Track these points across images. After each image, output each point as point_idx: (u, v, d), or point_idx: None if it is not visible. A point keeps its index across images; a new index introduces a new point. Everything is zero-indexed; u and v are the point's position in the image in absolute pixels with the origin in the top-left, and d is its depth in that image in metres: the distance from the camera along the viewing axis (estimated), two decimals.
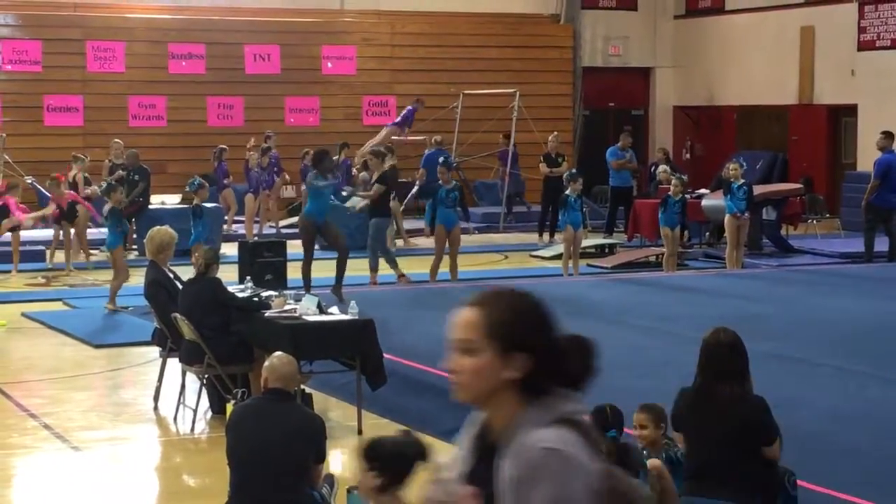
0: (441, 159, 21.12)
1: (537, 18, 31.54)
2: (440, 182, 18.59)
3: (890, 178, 20.58)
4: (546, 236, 24.35)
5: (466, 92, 27.67)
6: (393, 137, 26.24)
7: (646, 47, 32.58)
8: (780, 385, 10.25)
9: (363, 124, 29.12)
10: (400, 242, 23.75)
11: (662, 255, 20.12)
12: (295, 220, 25.07)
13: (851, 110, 27.99)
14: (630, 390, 10.49)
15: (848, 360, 12.45)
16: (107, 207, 17.59)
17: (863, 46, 27.77)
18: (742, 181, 19.61)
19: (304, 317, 10.79)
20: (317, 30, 29.18)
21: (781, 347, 12.68)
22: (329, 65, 29.30)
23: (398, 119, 26.96)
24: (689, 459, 6.78)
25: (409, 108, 26.77)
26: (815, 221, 25.27)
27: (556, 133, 25.75)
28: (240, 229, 24.42)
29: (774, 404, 6.85)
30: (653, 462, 7.12)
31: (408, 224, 24.50)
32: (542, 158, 25.06)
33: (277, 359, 7.22)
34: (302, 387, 10.44)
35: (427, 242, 24.18)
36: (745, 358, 6.69)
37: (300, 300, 11.27)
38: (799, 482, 7.11)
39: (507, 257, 22.35)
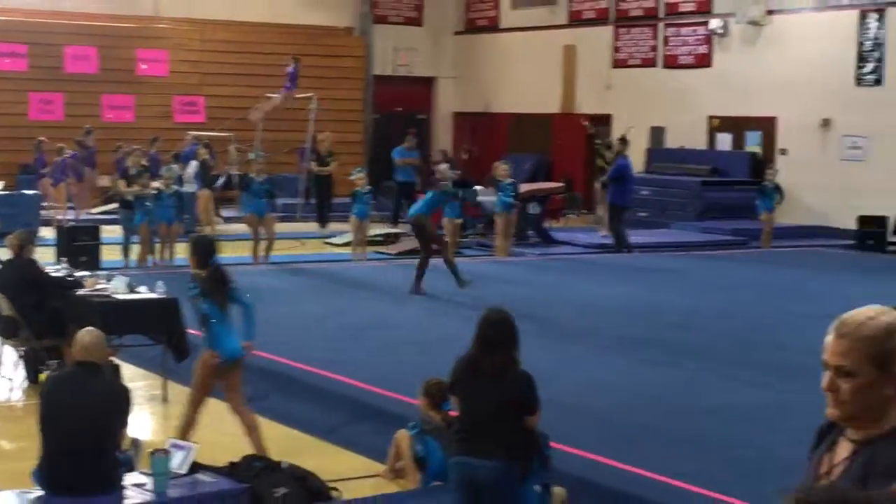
0: (253, 154, 21.01)
1: (333, 30, 31.44)
2: (253, 175, 18.55)
3: (626, 179, 21.14)
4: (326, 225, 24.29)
5: (268, 94, 27.37)
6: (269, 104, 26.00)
7: (430, 59, 32.75)
8: (540, 360, 10.41)
9: (174, 121, 28.68)
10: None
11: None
12: (109, 207, 24.49)
13: (606, 119, 28.64)
14: (415, 365, 10.58)
15: (600, 338, 12.74)
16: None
17: (617, 64, 28.45)
18: (510, 180, 19.90)
19: (114, 295, 10.59)
20: (133, 34, 28.56)
21: (543, 327, 12.91)
22: (143, 66, 28.71)
23: (289, 84, 26.60)
24: (460, 421, 6.82)
25: (291, 69, 26.47)
26: (573, 216, 25.79)
27: (328, 133, 25.55)
28: (58, 215, 23.71)
29: (534, 377, 6.95)
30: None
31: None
32: (314, 157, 24.92)
33: (88, 333, 7.05)
34: (111, 359, 10.23)
35: (238, 229, 24.01)
36: (515, 334, 6.73)
37: (111, 280, 11.05)
38: (552, 443, 7.24)
39: (304, 244, 22.20)
